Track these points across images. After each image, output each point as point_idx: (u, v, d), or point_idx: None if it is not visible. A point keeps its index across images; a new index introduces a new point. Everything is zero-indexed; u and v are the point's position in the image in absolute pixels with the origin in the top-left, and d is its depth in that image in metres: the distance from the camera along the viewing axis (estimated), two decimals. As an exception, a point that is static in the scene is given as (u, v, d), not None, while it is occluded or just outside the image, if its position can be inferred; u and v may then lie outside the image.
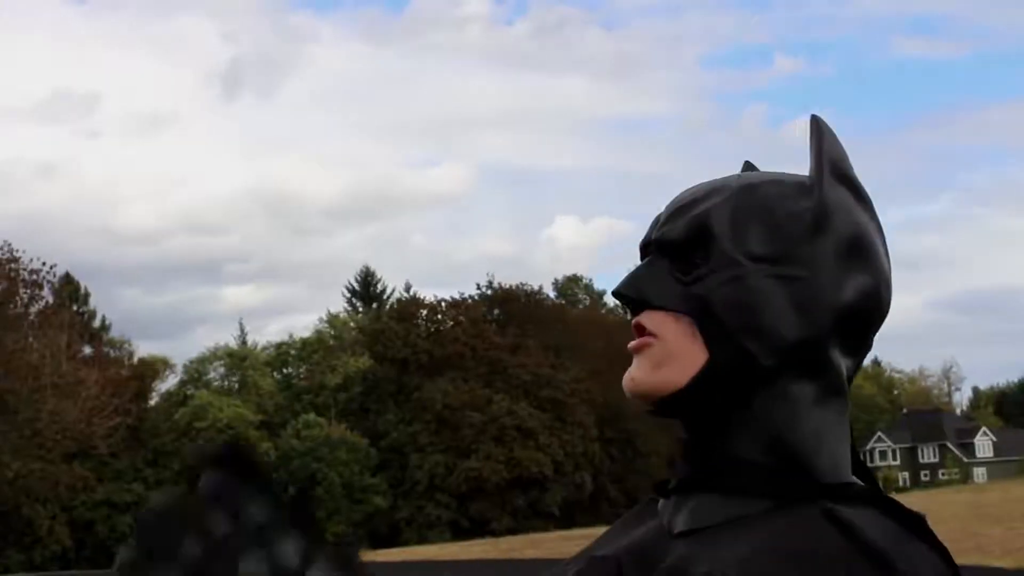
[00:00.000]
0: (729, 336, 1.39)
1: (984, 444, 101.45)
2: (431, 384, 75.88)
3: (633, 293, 1.45)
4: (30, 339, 63.25)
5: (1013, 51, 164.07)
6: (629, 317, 1.46)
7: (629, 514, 1.55)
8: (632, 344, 1.43)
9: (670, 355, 1.40)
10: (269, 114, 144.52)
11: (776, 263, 1.39)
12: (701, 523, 1.40)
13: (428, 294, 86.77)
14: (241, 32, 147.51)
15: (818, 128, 1.47)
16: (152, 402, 78.92)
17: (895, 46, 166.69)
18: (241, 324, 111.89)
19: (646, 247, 1.49)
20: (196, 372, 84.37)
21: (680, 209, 1.46)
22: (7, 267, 64.49)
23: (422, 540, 68.72)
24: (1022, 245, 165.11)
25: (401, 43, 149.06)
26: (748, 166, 1.58)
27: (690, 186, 1.51)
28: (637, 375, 1.42)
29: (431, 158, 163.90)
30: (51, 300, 69.47)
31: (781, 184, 1.46)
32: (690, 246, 1.43)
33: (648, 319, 1.43)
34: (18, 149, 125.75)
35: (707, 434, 1.43)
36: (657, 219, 1.50)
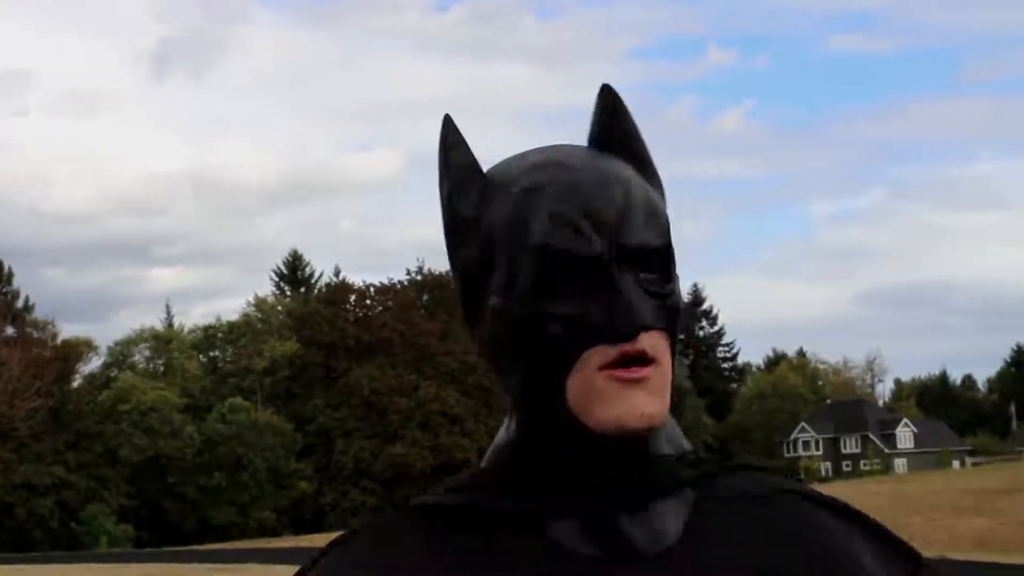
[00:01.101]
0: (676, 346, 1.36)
1: (905, 435, 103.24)
2: (359, 369, 76.03)
3: (652, 321, 1.31)
4: (-50, 318, 62.19)
5: (945, 47, 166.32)
6: (627, 345, 1.31)
7: (375, 539, 1.38)
8: (637, 375, 1.31)
9: (667, 380, 1.33)
10: (201, 95, 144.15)
11: None
12: (668, 539, 1.34)
13: (357, 279, 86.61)
14: (173, 12, 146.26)
15: (612, 100, 1.42)
16: (75, 384, 78.57)
17: (829, 40, 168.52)
18: (168, 306, 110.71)
19: (604, 259, 1.32)
20: (121, 354, 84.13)
21: (644, 212, 1.35)
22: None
23: (347, 526, 67.76)
24: (947, 240, 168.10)
25: (335, 27, 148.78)
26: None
27: (574, 169, 1.36)
28: (654, 411, 1.31)
29: (364, 143, 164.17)
30: (-28, 279, 68.39)
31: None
32: (666, 255, 1.35)
33: (649, 342, 1.31)
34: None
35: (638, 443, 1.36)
36: (599, 223, 1.32)
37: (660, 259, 1.34)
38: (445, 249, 1.39)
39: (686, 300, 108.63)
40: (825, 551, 1.37)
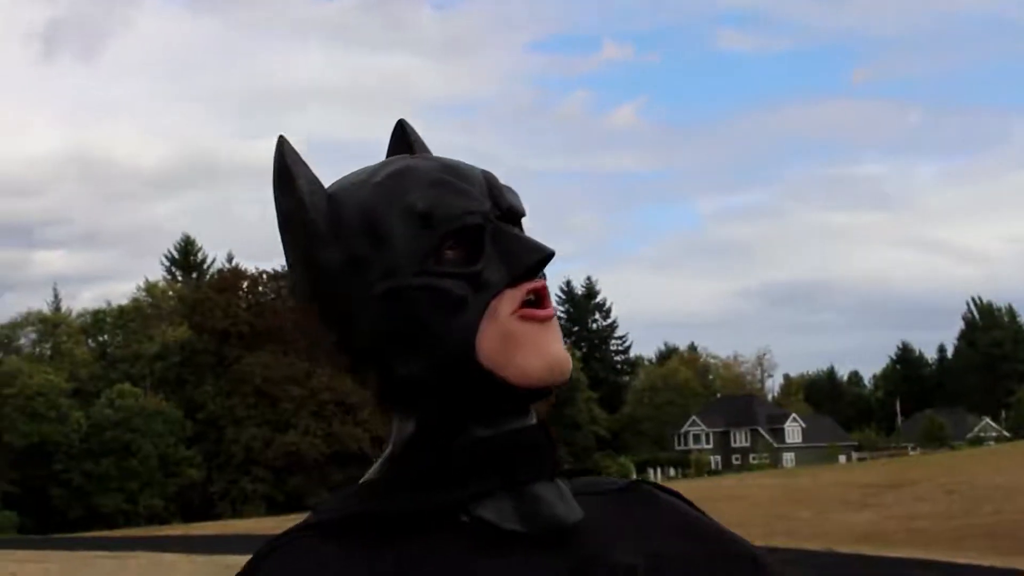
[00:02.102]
0: None
1: (793, 430, 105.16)
2: (251, 356, 75.49)
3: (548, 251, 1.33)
4: None
5: (836, 49, 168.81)
6: (530, 283, 1.31)
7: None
8: (549, 311, 1.32)
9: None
10: (90, 78, 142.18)
11: None
12: (579, 512, 1.35)
13: (250, 266, 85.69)
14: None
15: (408, 131, 1.51)
16: None
17: (719, 38, 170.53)
18: (55, 289, 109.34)
19: (489, 215, 1.34)
20: (6, 337, 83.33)
21: (503, 182, 1.39)
22: None
23: (236, 514, 68.16)
24: (835, 239, 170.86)
25: (226, 13, 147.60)
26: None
27: (424, 160, 1.41)
28: (568, 357, 1.32)
29: (256, 130, 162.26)
30: None
31: None
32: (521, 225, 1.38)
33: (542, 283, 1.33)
34: None
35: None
36: (491, 187, 1.37)
37: (520, 226, 1.37)
38: (289, 271, 1.39)
39: (579, 293, 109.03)
40: (700, 530, 1.41)
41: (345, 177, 1.40)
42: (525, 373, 1.28)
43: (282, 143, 1.38)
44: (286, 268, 1.40)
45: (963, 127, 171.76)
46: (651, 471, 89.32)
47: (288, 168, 1.36)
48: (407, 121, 1.50)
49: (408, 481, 1.32)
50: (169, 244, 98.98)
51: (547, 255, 1.30)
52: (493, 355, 1.28)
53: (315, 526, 1.32)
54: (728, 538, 1.42)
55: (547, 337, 1.29)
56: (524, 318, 1.29)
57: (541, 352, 1.28)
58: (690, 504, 1.45)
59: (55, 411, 73.68)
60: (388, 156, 1.46)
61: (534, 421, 1.33)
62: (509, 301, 1.28)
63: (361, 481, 1.37)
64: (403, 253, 1.30)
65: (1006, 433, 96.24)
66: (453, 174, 1.34)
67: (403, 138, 1.48)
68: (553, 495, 1.32)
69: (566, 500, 1.33)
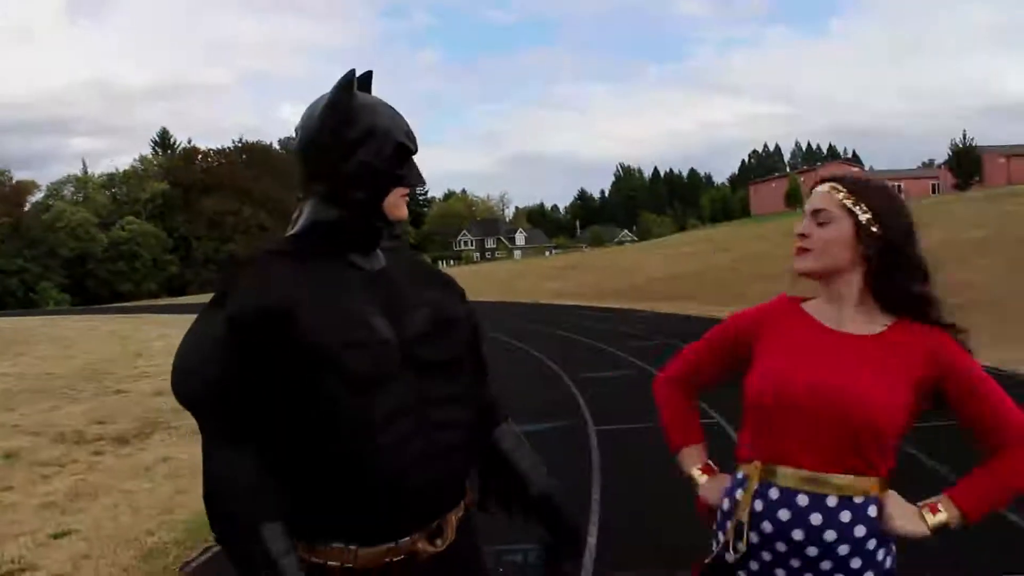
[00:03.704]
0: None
1: (520, 238, 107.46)
2: (206, 199, 75.53)
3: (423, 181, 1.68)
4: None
5: None
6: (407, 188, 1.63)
7: (275, 259, 1.61)
8: (407, 198, 1.68)
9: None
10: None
11: None
12: (382, 262, 1.69)
13: (203, 145, 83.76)
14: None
15: (366, 77, 1.67)
16: (26, 209, 74.79)
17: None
18: (84, 161, 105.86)
19: (408, 151, 1.64)
20: (55, 190, 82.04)
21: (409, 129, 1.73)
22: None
23: (201, 291, 68.47)
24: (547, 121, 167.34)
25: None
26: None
27: (392, 108, 1.67)
28: (406, 211, 1.65)
29: (207, 62, 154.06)
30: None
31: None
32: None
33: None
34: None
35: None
36: (406, 131, 1.64)
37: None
38: (323, 134, 1.56)
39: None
40: (434, 270, 1.83)
41: (362, 96, 1.61)
42: (396, 216, 1.65)
43: (352, 74, 1.59)
44: (299, 134, 1.57)
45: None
46: (440, 262, 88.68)
47: (352, 83, 1.59)
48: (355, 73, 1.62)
49: (323, 238, 1.61)
50: (154, 133, 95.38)
51: (422, 183, 1.67)
52: (387, 207, 1.62)
53: (271, 251, 1.61)
54: (450, 277, 1.81)
55: (404, 205, 1.66)
56: (403, 198, 1.65)
57: (401, 210, 1.65)
58: (426, 258, 1.91)
59: (88, 234, 74.35)
60: (355, 87, 1.61)
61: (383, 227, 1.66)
62: (401, 190, 1.64)
63: (288, 234, 1.64)
64: (381, 150, 1.57)
65: (635, 238, 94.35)
66: (406, 124, 1.64)
67: (366, 81, 1.66)
68: (376, 256, 1.67)
69: (378, 257, 1.69)
